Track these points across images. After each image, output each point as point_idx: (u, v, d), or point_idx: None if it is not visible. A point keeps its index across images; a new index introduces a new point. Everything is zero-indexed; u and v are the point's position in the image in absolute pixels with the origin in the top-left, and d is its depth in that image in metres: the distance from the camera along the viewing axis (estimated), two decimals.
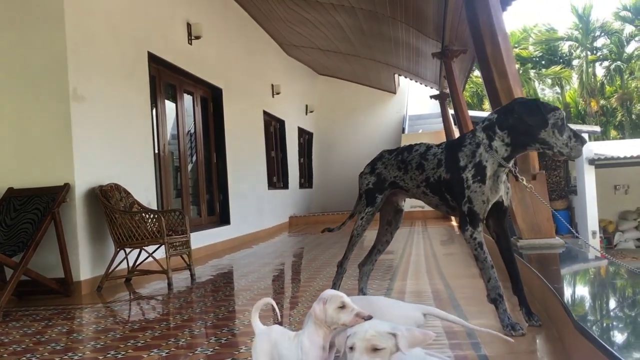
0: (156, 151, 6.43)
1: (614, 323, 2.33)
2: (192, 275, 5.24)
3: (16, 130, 4.91)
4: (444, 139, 10.83)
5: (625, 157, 14.16)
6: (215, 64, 8.20)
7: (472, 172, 2.66)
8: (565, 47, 28.62)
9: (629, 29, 27.10)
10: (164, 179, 6.64)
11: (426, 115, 16.18)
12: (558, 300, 2.52)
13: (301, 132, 14.07)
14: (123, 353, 2.79)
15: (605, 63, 27.83)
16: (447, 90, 10.33)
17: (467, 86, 16.47)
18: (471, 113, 10.83)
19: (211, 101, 8.34)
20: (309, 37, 11.33)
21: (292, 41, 11.83)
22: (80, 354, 2.85)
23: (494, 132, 2.67)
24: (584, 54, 27.33)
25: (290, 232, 10.93)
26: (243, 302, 4.03)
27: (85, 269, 4.86)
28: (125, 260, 5.04)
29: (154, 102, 6.47)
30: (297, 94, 13.57)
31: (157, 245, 4.99)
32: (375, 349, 1.58)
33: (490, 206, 2.70)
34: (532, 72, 27.88)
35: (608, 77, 27.41)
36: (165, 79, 6.93)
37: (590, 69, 27.17)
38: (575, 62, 28.16)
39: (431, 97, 12.29)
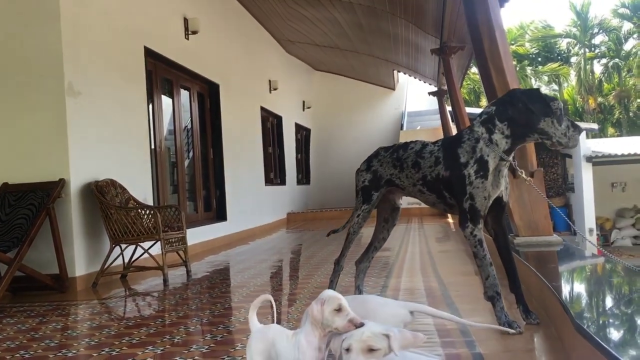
0: (152, 147, 6.40)
1: (611, 320, 2.32)
2: (188, 271, 5.23)
3: (11, 125, 4.87)
4: (441, 135, 10.82)
5: (622, 155, 14.17)
6: (212, 59, 8.16)
7: (474, 168, 2.63)
8: (563, 44, 28.67)
9: (627, 26, 27.17)
10: (160, 175, 6.61)
11: (424, 112, 16.12)
12: (556, 298, 2.51)
13: (298, 128, 14.04)
14: (118, 350, 2.77)
15: (603, 60, 27.91)
16: (445, 87, 10.32)
17: (464, 83, 16.43)
18: (468, 110, 10.80)
19: (208, 97, 8.30)
20: (307, 34, 11.30)
21: (290, 37, 11.79)
22: (74, 351, 2.83)
23: (493, 125, 2.64)
24: (582, 51, 27.38)
25: (288, 228, 10.91)
26: (239, 299, 4.01)
27: (80, 265, 4.84)
28: (120, 257, 5.02)
29: (150, 97, 6.43)
30: (295, 90, 13.53)
31: (153, 242, 4.96)
32: (371, 350, 1.62)
33: (491, 202, 2.68)
34: (528, 69, 27.94)
35: (606, 75, 27.47)
36: (162, 74, 6.89)
37: (588, 66, 27.23)
38: (573, 59, 28.21)
39: (429, 93, 12.31)
